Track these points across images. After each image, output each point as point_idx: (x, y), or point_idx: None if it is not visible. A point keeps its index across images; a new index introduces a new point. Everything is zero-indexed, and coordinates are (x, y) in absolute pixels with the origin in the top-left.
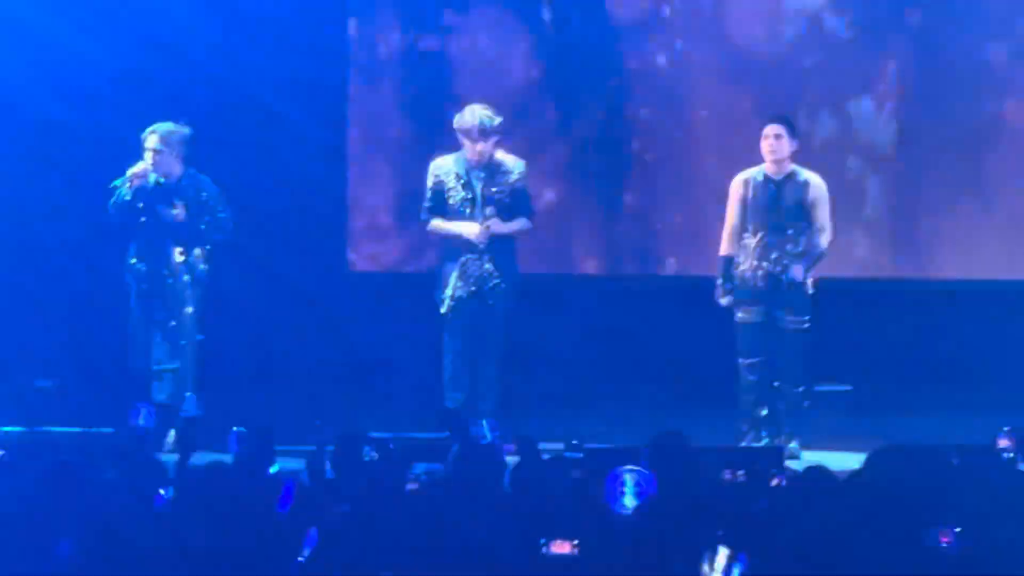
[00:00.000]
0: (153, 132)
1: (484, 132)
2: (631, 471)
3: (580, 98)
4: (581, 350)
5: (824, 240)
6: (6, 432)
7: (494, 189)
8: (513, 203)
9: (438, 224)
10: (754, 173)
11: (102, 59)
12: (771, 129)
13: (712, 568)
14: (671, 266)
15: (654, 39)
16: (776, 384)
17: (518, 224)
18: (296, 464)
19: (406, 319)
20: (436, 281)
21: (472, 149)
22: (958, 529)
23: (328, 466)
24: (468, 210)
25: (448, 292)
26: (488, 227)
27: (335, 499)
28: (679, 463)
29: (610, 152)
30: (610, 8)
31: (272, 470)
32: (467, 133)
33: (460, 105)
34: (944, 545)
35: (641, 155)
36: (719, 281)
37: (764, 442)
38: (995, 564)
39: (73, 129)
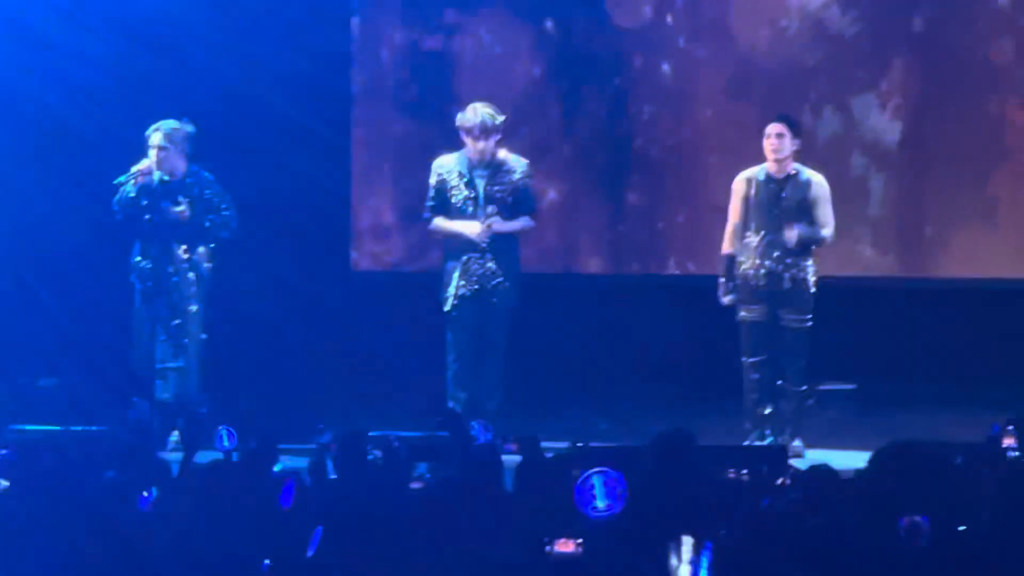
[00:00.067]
0: (157, 130)
1: (486, 130)
2: (598, 473)
3: (584, 97)
4: (585, 349)
5: (826, 232)
6: (9, 431)
7: (496, 188)
8: (515, 202)
9: (440, 223)
10: (756, 172)
11: (105, 58)
12: (773, 128)
13: (679, 559)
14: (675, 265)
15: (658, 38)
16: (779, 383)
17: (520, 223)
18: (300, 463)
19: (409, 318)
20: (441, 280)
21: (474, 147)
22: (924, 517)
23: (330, 466)
24: (470, 209)
25: (451, 291)
26: (489, 225)
27: (338, 498)
28: (685, 461)
29: (614, 151)
30: (612, 8)
31: (276, 469)
32: (469, 131)
33: (464, 104)
34: (909, 534)
35: (645, 154)
36: (721, 280)
37: (768, 441)
38: (998, 563)
39: (75, 128)
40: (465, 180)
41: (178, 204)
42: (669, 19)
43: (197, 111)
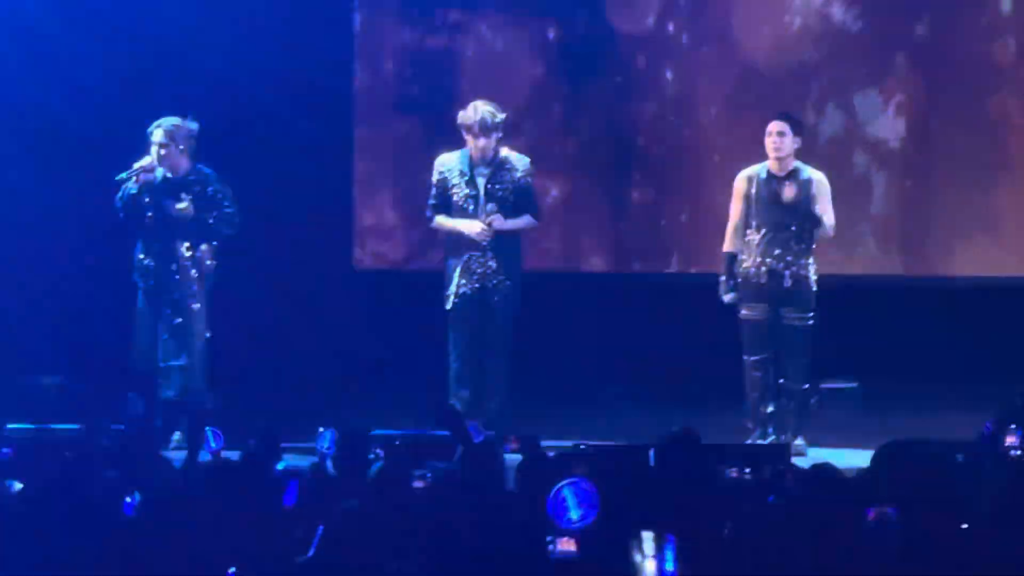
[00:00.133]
0: (158, 127)
1: (486, 128)
2: (569, 485)
3: (586, 95)
4: (587, 347)
5: (826, 220)
6: (12, 430)
7: (497, 186)
8: (517, 200)
9: (441, 221)
10: (758, 170)
11: (107, 56)
12: (774, 126)
13: (643, 555)
14: (677, 263)
15: (661, 36)
16: (781, 381)
17: (522, 221)
18: (302, 462)
19: (412, 316)
20: (442, 279)
21: (475, 145)
22: (892, 509)
23: (330, 466)
24: (471, 207)
25: (452, 289)
26: (490, 224)
27: (340, 496)
28: (692, 461)
29: (616, 149)
30: (614, 16)
31: (279, 467)
32: (469, 129)
33: (466, 102)
34: (877, 524)
35: (648, 152)
36: (723, 278)
37: (770, 440)
38: (1001, 562)
39: (76, 127)
40: (466, 178)
41: (180, 201)
42: (672, 18)
43: (199, 110)
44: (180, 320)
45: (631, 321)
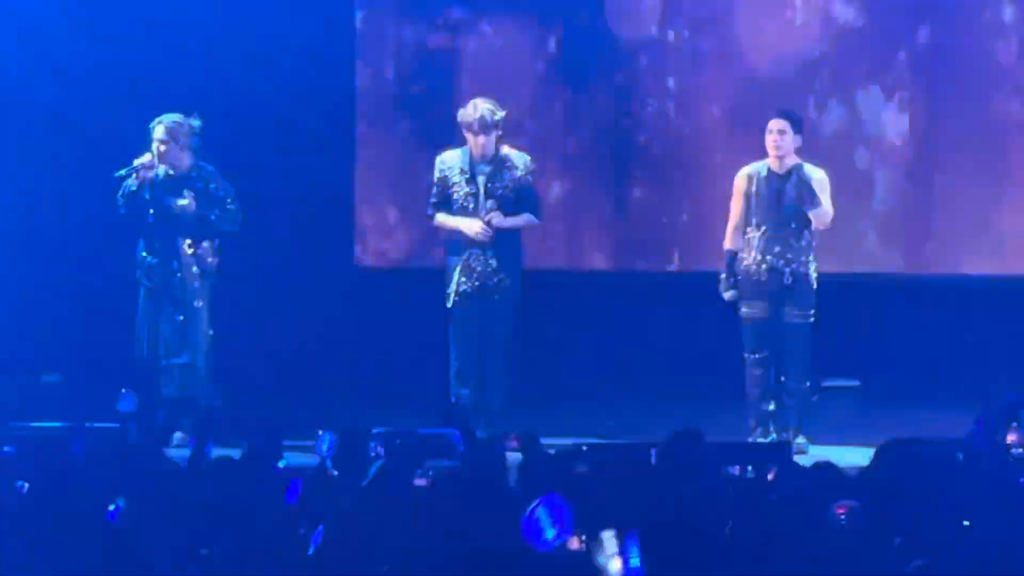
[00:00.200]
0: (160, 123)
1: (485, 126)
2: (540, 505)
3: (588, 93)
4: (589, 346)
5: (824, 206)
6: (12, 427)
7: (498, 184)
8: (518, 198)
9: (442, 220)
10: (758, 168)
11: (108, 55)
12: (775, 124)
13: (606, 555)
14: (679, 261)
15: (662, 33)
16: (783, 379)
17: (522, 220)
18: (304, 459)
19: (413, 315)
20: (444, 276)
21: (475, 143)
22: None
23: (331, 467)
24: (471, 205)
25: (452, 287)
26: (489, 221)
27: (341, 495)
28: (695, 459)
29: (618, 147)
30: (616, 23)
31: (280, 465)
32: (469, 127)
33: (467, 101)
34: (841, 519)
35: (649, 150)
36: (723, 275)
37: (771, 438)
38: (1002, 561)
39: (79, 125)
40: (467, 177)
41: (182, 198)
42: (674, 16)
43: (201, 107)
44: (182, 317)
45: (632, 319)
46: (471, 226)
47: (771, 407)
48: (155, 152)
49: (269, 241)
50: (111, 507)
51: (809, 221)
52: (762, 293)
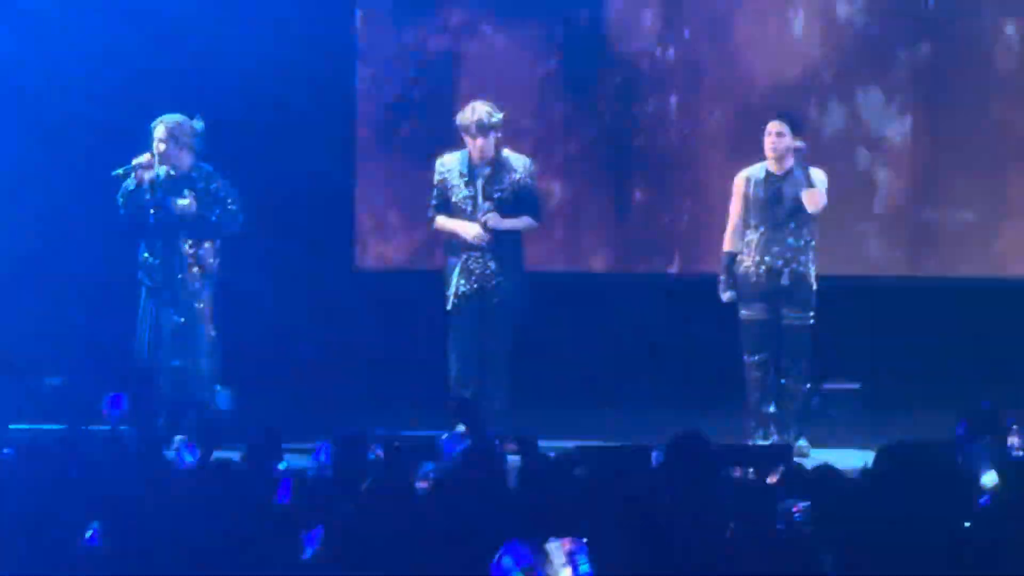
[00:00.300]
0: (160, 123)
1: (483, 128)
2: (505, 552)
3: (589, 95)
4: (590, 347)
5: (818, 185)
6: (14, 430)
7: (496, 187)
8: (517, 201)
9: (441, 222)
10: (756, 170)
11: (107, 55)
12: (773, 126)
13: (555, 565)
14: (680, 264)
15: (663, 32)
16: (783, 382)
17: (520, 222)
18: (304, 462)
19: (414, 317)
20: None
21: (473, 145)
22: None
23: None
24: (470, 208)
25: (451, 290)
26: (485, 223)
27: (341, 498)
28: (699, 462)
29: (619, 149)
30: (616, 40)
31: (280, 467)
32: (467, 129)
33: (468, 103)
34: (796, 517)
35: (650, 152)
36: (721, 277)
37: (772, 440)
38: (1002, 562)
39: (79, 125)
40: (465, 179)
41: (183, 198)
42: (675, 17)
43: (203, 110)
44: (183, 319)
45: (633, 321)
46: (468, 229)
47: (770, 410)
48: (155, 152)
49: (269, 243)
50: (88, 532)
51: (808, 220)
52: (761, 295)
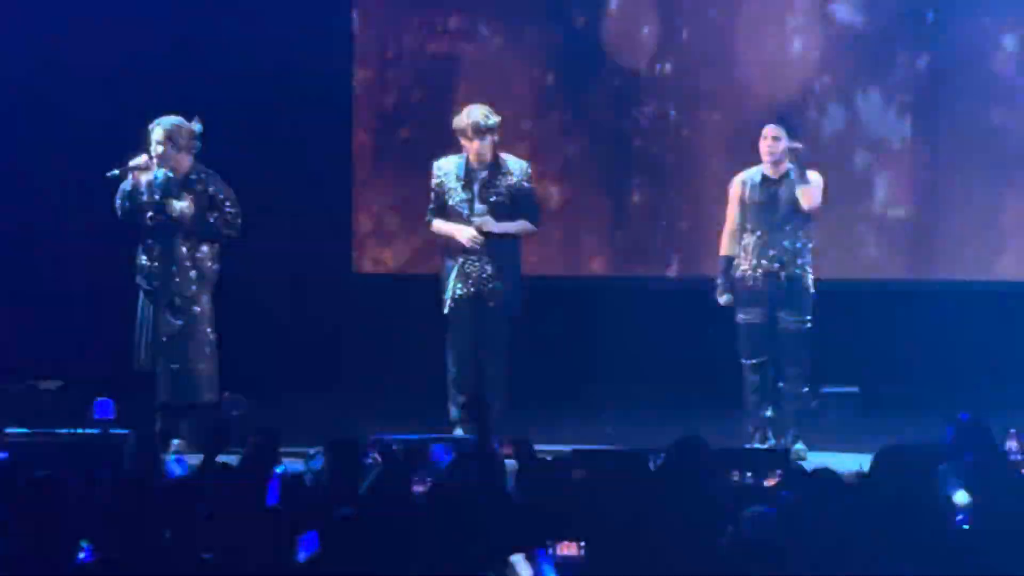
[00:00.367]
0: (158, 125)
1: (479, 131)
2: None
3: (587, 98)
4: (588, 351)
5: (814, 181)
6: (9, 434)
7: (492, 190)
8: (514, 204)
9: (437, 226)
10: (752, 173)
11: (107, 56)
12: (769, 131)
13: None
14: (678, 267)
15: (661, 36)
16: (781, 385)
17: (515, 226)
18: (301, 466)
19: (412, 321)
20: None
21: (470, 148)
22: (771, 509)
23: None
24: (466, 211)
25: (448, 293)
26: (479, 227)
27: (338, 502)
28: (698, 467)
29: (617, 153)
30: (614, 54)
31: (277, 470)
32: (463, 132)
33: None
34: (758, 524)
35: (649, 155)
36: (718, 280)
37: (769, 444)
38: (1002, 563)
39: (78, 126)
40: (462, 183)
41: (181, 201)
42: (673, 20)
43: (199, 111)
44: (181, 323)
45: (632, 325)
46: (463, 233)
47: (768, 413)
48: (152, 154)
49: (267, 247)
50: (80, 552)
51: (805, 223)
52: (758, 299)
